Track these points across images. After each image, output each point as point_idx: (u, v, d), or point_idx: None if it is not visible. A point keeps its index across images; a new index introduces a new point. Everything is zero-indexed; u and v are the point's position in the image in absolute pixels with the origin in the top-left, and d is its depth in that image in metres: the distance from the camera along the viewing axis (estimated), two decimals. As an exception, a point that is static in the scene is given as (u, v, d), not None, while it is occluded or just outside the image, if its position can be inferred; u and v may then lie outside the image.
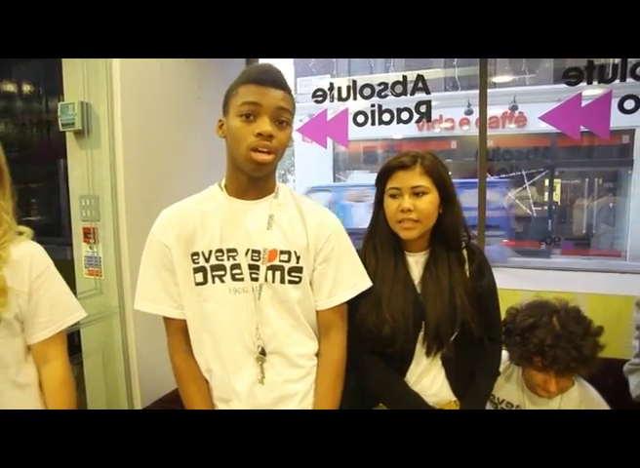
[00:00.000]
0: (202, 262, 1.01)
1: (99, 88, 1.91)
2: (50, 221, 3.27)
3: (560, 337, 1.22)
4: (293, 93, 1.03)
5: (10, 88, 3.69)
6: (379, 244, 1.20)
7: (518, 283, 2.06)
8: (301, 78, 9.25)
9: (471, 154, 6.15)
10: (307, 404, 1.06)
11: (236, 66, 2.62)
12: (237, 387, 1.02)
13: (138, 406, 2.02)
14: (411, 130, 7.47)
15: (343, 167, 10.05)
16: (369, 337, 1.15)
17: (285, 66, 8.37)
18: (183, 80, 2.24)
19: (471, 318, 1.14)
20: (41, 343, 1.04)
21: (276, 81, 0.97)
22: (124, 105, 1.91)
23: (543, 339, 1.22)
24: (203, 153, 2.30)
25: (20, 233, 1.04)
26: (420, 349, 1.17)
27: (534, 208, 7.90)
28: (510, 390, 1.38)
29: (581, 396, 1.34)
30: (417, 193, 1.13)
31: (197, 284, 1.02)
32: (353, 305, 1.14)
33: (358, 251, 1.19)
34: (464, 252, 1.21)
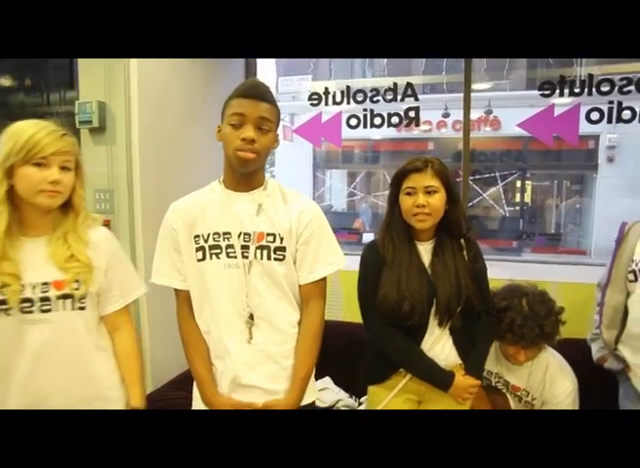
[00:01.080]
0: (202, 243, 1.20)
1: (116, 87, 2.04)
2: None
3: (527, 318, 1.46)
4: (274, 91, 1.20)
5: (8, 82, 3.70)
6: (395, 235, 1.41)
7: (499, 273, 2.28)
8: (283, 78, 9.37)
9: (448, 155, 6.37)
10: (288, 365, 1.22)
11: (236, 66, 2.79)
12: (229, 346, 1.19)
13: (149, 388, 2.15)
14: (390, 130, 7.69)
15: (322, 165, 10.22)
16: (391, 313, 1.36)
17: (267, 66, 8.48)
18: (192, 80, 2.38)
19: (473, 294, 1.37)
20: (113, 314, 1.21)
21: (260, 95, 1.16)
22: (140, 104, 2.04)
23: (514, 319, 1.46)
24: (209, 148, 2.43)
25: (93, 219, 1.19)
26: (432, 321, 1.38)
27: (506, 208, 8.27)
28: (490, 361, 1.61)
29: (547, 361, 1.59)
30: (429, 192, 1.35)
31: (198, 260, 1.20)
32: (373, 286, 1.38)
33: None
34: (462, 240, 1.42)
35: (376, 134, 8.43)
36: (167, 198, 1.30)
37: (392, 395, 1.43)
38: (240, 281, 1.18)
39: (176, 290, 1.25)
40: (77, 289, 1.11)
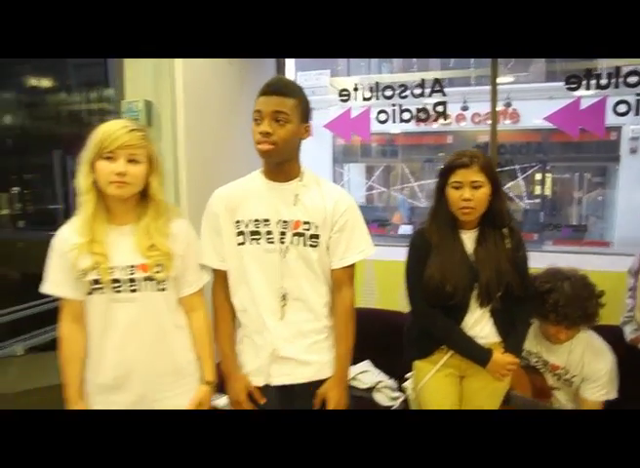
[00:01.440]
0: (243, 228, 1.30)
1: (162, 87, 2.16)
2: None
3: (570, 299, 1.56)
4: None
5: (44, 82, 3.84)
6: (441, 223, 1.51)
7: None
8: (302, 72, 9.43)
9: (467, 148, 6.35)
10: (320, 338, 1.33)
11: (268, 65, 2.89)
12: (267, 322, 1.30)
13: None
14: (409, 124, 7.71)
15: (341, 159, 10.30)
16: (435, 293, 1.47)
17: (287, 61, 8.55)
18: (230, 78, 2.49)
19: (513, 280, 1.46)
20: (189, 296, 1.33)
21: (275, 90, 1.24)
22: (185, 102, 2.16)
23: (557, 300, 1.57)
24: (248, 144, 2.54)
25: (172, 211, 1.30)
26: (473, 303, 1.48)
27: (526, 200, 8.26)
28: (530, 342, 1.71)
29: (586, 340, 1.69)
30: (475, 186, 1.44)
31: (238, 244, 1.31)
32: (419, 268, 1.49)
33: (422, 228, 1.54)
34: (506, 230, 1.50)
35: (394, 127, 8.48)
36: (211, 191, 1.39)
37: (435, 370, 1.53)
38: (276, 264, 1.28)
39: (214, 269, 1.36)
40: (159, 272, 1.23)
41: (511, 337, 1.52)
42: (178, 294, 1.31)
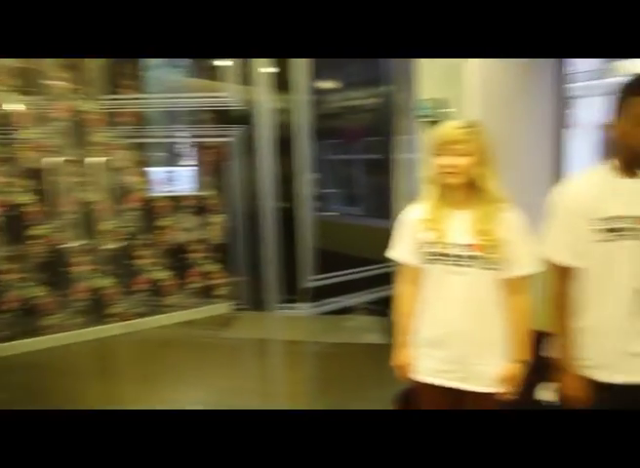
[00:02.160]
0: (603, 225, 1.30)
1: (452, 85, 2.37)
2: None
3: None
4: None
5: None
6: None
7: None
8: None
9: None
10: None
11: (545, 63, 2.79)
12: (619, 318, 1.30)
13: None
14: None
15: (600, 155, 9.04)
16: None
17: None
18: (512, 77, 2.54)
19: None
20: (515, 278, 1.41)
21: None
22: (476, 100, 2.31)
23: None
24: (529, 141, 2.57)
25: (503, 202, 1.42)
26: None
27: None
28: None
29: None
30: None
31: (599, 241, 1.31)
32: None
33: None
34: None
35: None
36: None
37: None
38: (630, 260, 1.29)
39: (563, 266, 1.38)
40: (490, 253, 1.38)
41: None
42: (506, 276, 1.41)
